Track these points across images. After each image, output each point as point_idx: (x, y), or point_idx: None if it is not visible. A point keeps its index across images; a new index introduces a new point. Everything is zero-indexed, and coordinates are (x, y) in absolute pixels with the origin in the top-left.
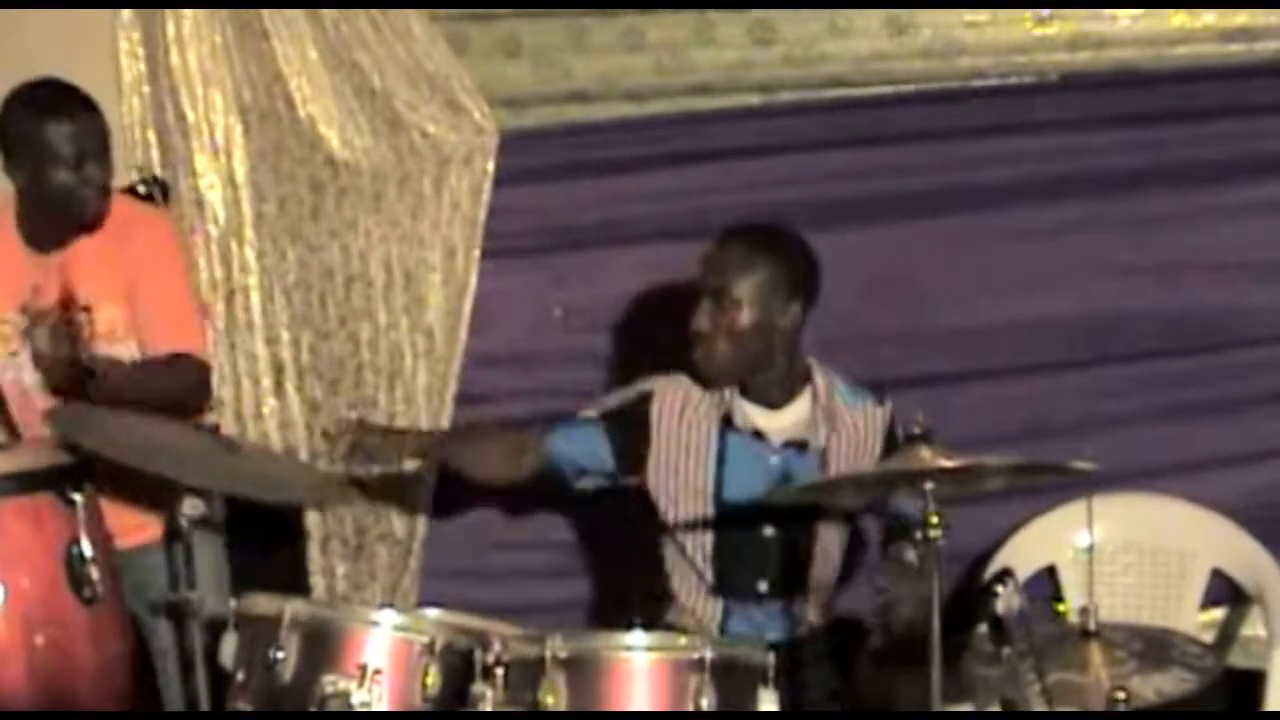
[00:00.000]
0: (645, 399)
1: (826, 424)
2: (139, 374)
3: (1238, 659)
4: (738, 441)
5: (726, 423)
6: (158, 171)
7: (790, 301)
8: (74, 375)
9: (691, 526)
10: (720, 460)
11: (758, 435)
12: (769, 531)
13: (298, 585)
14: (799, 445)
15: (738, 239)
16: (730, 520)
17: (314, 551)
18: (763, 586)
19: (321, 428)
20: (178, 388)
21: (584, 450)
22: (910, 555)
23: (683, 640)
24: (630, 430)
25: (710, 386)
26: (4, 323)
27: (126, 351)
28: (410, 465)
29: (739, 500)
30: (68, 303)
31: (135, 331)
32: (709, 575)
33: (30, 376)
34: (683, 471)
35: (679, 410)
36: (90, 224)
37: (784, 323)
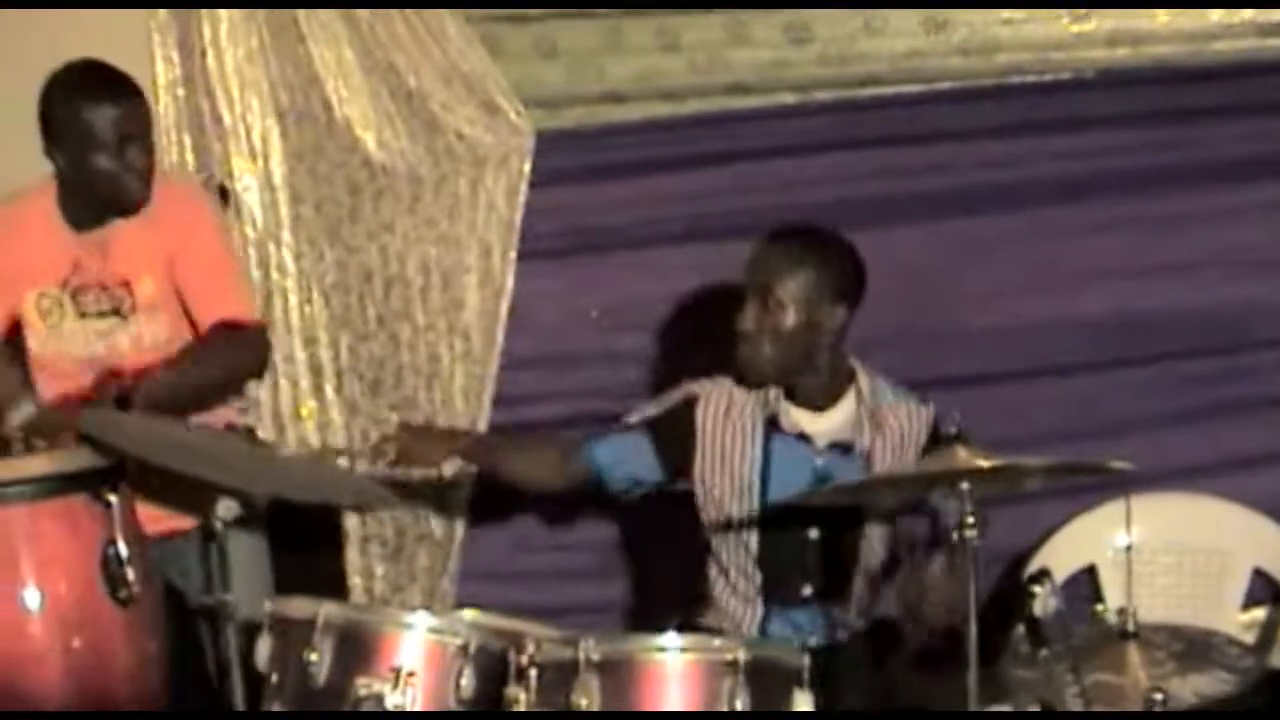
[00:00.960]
0: (690, 403)
1: (871, 425)
2: (177, 376)
3: (1277, 660)
4: (782, 444)
5: (771, 425)
6: (191, 172)
7: (835, 304)
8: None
9: (736, 529)
10: (765, 463)
11: (803, 437)
12: (814, 534)
13: (338, 587)
14: (843, 447)
15: (785, 239)
16: (774, 523)
17: (352, 553)
18: (807, 590)
19: (363, 433)
20: (225, 370)
21: (630, 459)
22: (936, 567)
23: (716, 642)
24: (677, 436)
25: (754, 386)
26: (45, 297)
27: (167, 320)
28: (453, 467)
29: (782, 501)
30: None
31: (171, 302)
32: (754, 578)
33: (73, 346)
34: (728, 474)
35: (724, 412)
36: (133, 209)
37: (829, 324)
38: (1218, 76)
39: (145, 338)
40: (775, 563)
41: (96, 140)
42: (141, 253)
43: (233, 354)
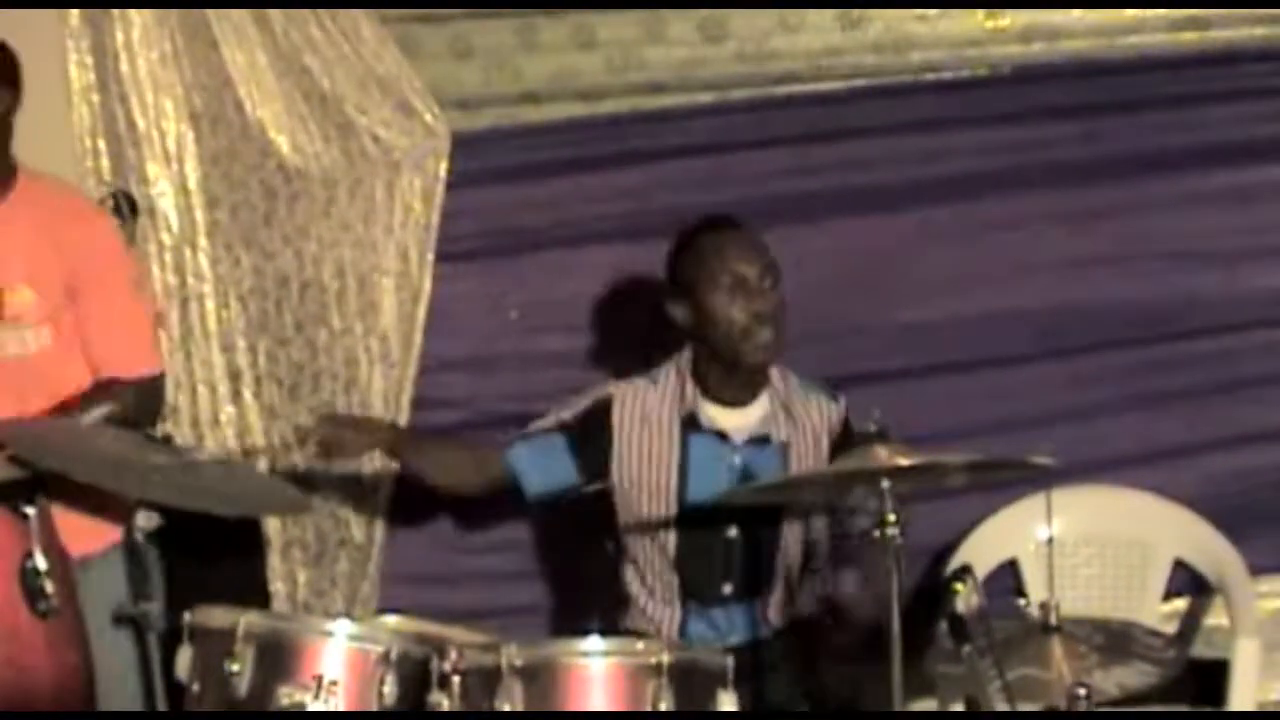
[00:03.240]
0: (605, 404)
1: (786, 419)
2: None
3: (1201, 649)
4: (700, 442)
5: (689, 424)
6: (108, 178)
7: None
8: None
9: (655, 529)
10: (683, 462)
11: (720, 435)
12: (733, 532)
13: (259, 593)
14: (760, 440)
15: (741, 226)
16: (694, 522)
17: (274, 559)
18: (727, 589)
19: (281, 438)
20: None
21: (547, 463)
22: (850, 585)
23: (640, 645)
24: (592, 438)
25: (757, 372)
26: None
27: (35, 338)
28: (376, 461)
29: (702, 502)
30: None
31: (58, 318)
32: (673, 579)
33: None
34: (646, 475)
35: (640, 414)
36: None
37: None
38: (1132, 70)
39: (10, 347)
40: (694, 563)
41: None
42: (20, 258)
43: (117, 409)
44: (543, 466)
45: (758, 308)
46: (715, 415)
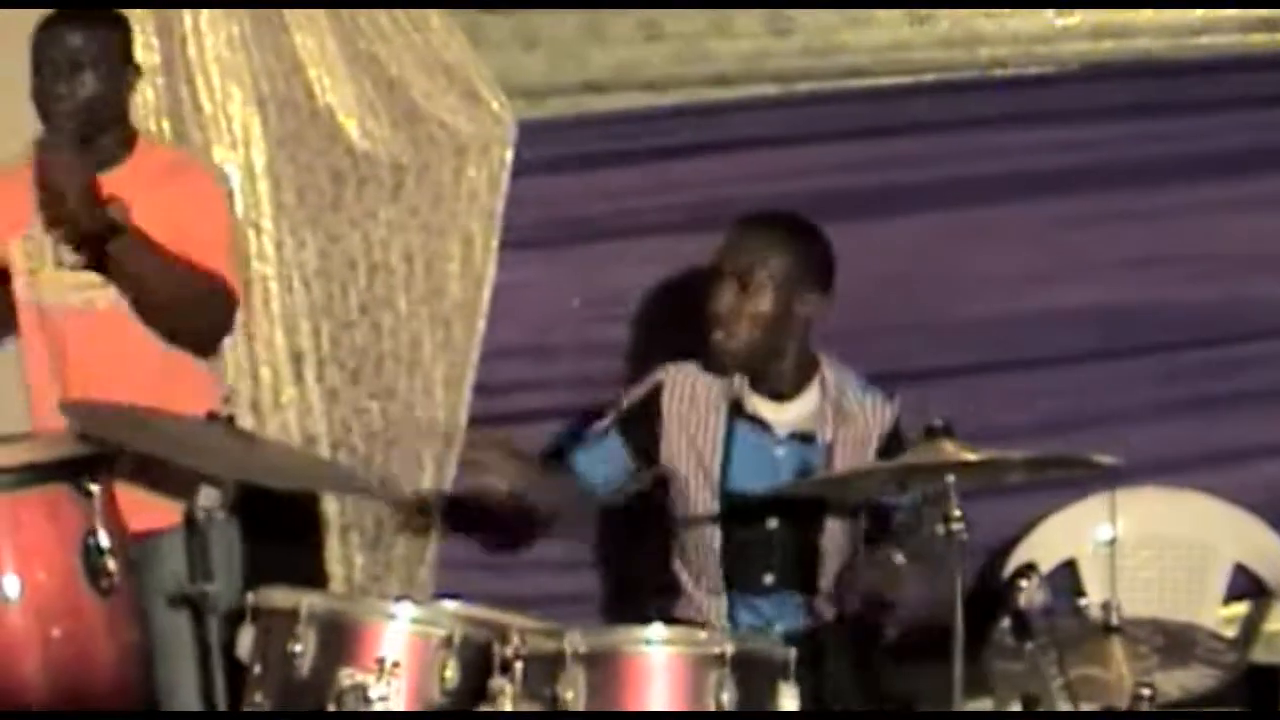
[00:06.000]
0: (657, 388)
1: (834, 418)
2: (166, 255)
3: (1260, 654)
4: (744, 431)
5: (735, 410)
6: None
7: (811, 290)
8: (93, 226)
9: (698, 517)
10: (727, 449)
11: (764, 426)
12: (773, 524)
13: (315, 577)
14: (804, 437)
15: (765, 223)
16: (735, 512)
17: (333, 542)
18: (768, 579)
19: (343, 422)
20: (200, 294)
21: (605, 462)
22: (899, 557)
23: (702, 635)
24: (643, 422)
25: (724, 371)
26: (29, 239)
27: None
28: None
29: (744, 492)
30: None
31: None
32: (717, 568)
33: (50, 295)
34: (692, 459)
35: (689, 397)
36: (64, 141)
37: (802, 311)
38: (1201, 71)
39: (124, 303)
40: (736, 553)
41: (34, 64)
42: (138, 218)
43: (210, 286)
44: (601, 462)
45: (714, 307)
46: (759, 405)
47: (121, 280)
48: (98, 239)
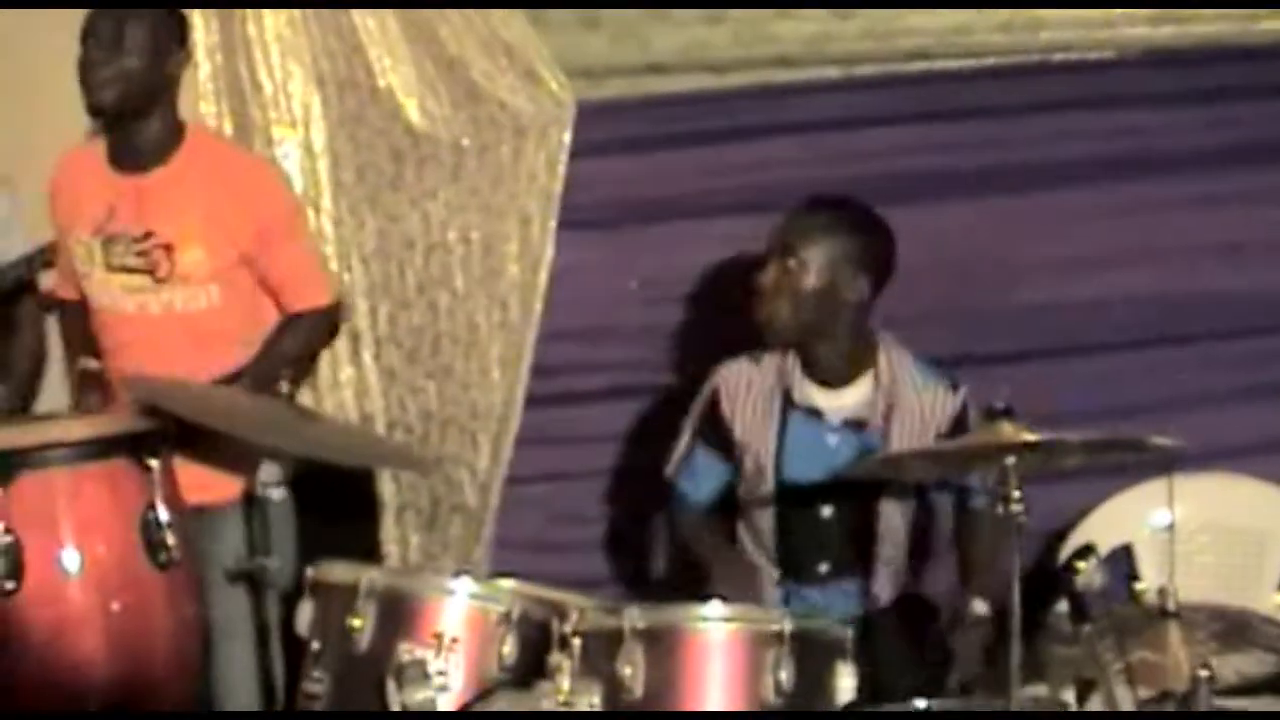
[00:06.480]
0: (715, 395)
1: (886, 407)
2: (284, 351)
3: None
4: (797, 419)
5: (787, 400)
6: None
7: (859, 275)
8: None
9: (756, 505)
10: (781, 438)
11: (815, 413)
12: (827, 513)
13: (371, 555)
14: (858, 424)
15: (818, 206)
16: (790, 500)
17: (388, 521)
18: (823, 568)
19: (399, 401)
20: (304, 348)
21: (706, 478)
22: (980, 607)
23: (761, 612)
24: (717, 429)
25: (770, 348)
26: (79, 243)
27: (205, 295)
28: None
29: (798, 480)
30: None
31: (227, 276)
32: (773, 554)
33: (100, 298)
34: (750, 449)
35: (744, 391)
36: (97, 113)
37: (849, 294)
38: (1262, 56)
39: (178, 305)
40: (792, 540)
41: (81, 38)
42: (194, 217)
43: (306, 336)
44: (704, 480)
45: (759, 281)
46: (812, 393)
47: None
48: None
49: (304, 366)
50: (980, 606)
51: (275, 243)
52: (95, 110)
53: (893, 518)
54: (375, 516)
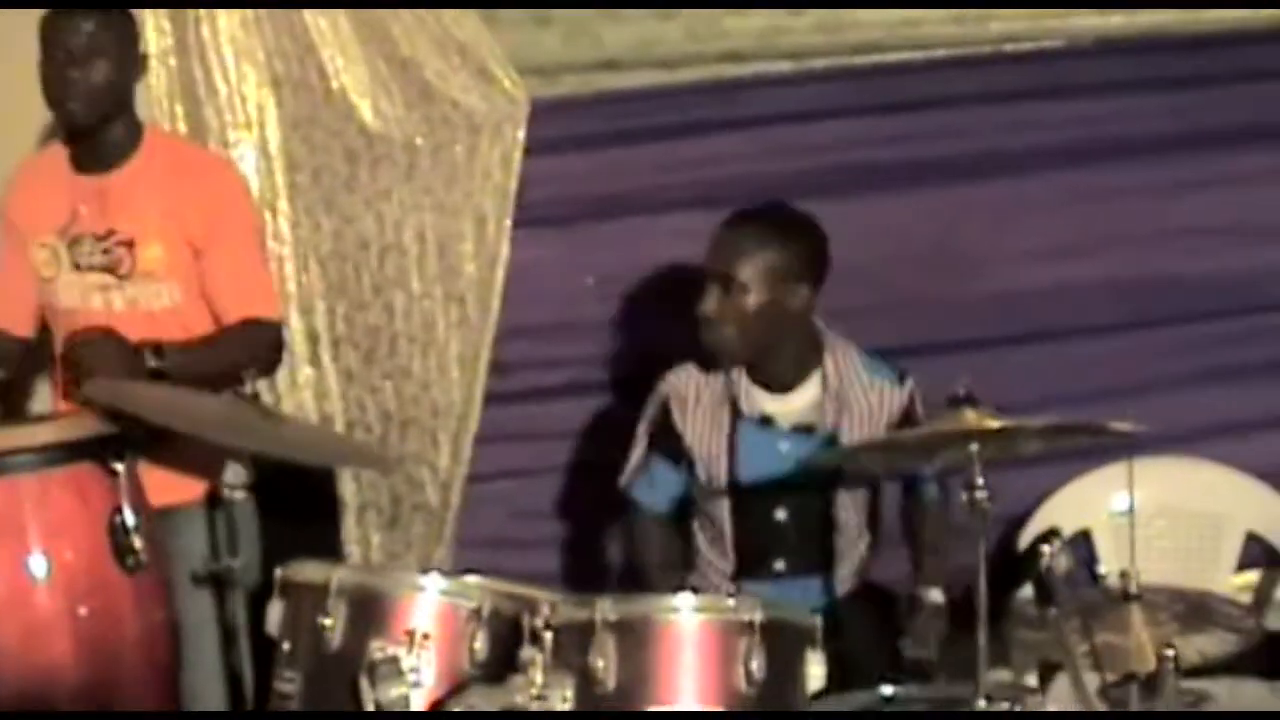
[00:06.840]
0: (664, 404)
1: (834, 408)
2: (206, 353)
3: (1272, 622)
4: (748, 428)
5: (736, 411)
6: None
7: (798, 283)
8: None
9: (711, 506)
10: (732, 444)
11: (765, 420)
12: (781, 515)
13: (332, 555)
14: (806, 429)
15: (743, 222)
16: (745, 503)
17: (350, 521)
18: (779, 565)
19: (358, 402)
20: (247, 358)
21: (664, 486)
22: (935, 595)
23: (732, 602)
24: (670, 436)
25: (721, 369)
26: (44, 247)
27: (167, 292)
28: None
29: (752, 485)
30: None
31: (183, 270)
32: (729, 552)
33: (69, 300)
34: (702, 458)
35: (693, 400)
36: (71, 129)
37: (792, 304)
38: (1211, 45)
39: (140, 302)
40: (747, 543)
41: (44, 49)
42: (153, 214)
43: (252, 344)
44: (662, 488)
45: (701, 309)
46: (761, 400)
47: (181, 383)
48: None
49: (232, 376)
50: (935, 595)
51: (224, 239)
52: (69, 123)
53: (848, 510)
54: (336, 516)
